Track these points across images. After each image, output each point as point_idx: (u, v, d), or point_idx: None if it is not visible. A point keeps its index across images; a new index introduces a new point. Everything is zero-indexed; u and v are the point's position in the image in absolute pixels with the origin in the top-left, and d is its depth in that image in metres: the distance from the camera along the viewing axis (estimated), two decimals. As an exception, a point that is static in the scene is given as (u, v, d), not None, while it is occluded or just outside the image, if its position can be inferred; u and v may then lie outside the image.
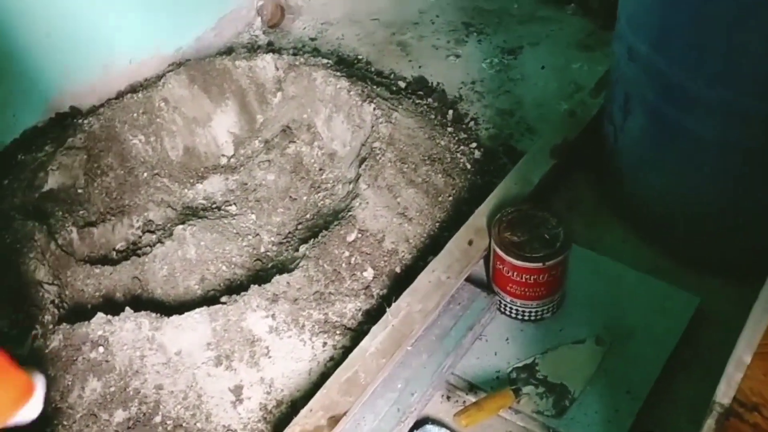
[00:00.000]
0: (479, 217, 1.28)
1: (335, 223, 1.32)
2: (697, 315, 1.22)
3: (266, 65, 1.62)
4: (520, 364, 1.17)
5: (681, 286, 1.26)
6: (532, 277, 1.17)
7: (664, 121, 1.24)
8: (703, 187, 1.25)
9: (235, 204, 1.48)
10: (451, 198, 1.42)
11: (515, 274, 1.17)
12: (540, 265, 1.15)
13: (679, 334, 1.20)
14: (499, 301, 1.24)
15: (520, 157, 1.45)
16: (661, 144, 1.27)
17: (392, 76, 1.80)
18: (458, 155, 1.50)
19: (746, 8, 1.03)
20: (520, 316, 1.23)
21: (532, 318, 1.23)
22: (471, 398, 1.14)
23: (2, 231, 1.32)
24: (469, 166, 1.50)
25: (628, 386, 1.13)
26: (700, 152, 1.21)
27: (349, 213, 1.32)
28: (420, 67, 1.83)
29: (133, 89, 1.65)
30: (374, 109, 1.48)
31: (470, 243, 1.25)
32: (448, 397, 1.17)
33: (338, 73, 1.58)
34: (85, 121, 1.49)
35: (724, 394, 0.63)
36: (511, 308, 1.23)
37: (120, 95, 1.65)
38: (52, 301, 1.24)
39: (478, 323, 1.20)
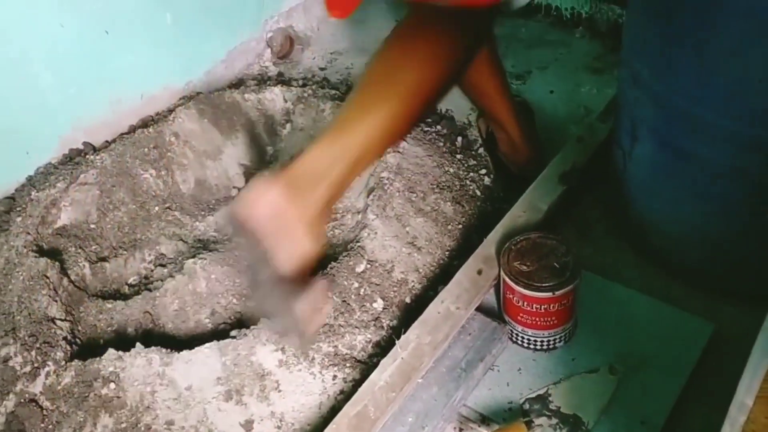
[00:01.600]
0: (488, 246, 1.28)
1: (344, 254, 1.32)
2: (711, 342, 1.20)
3: (275, 97, 1.64)
4: (533, 395, 1.16)
5: (694, 312, 1.24)
6: (542, 307, 1.16)
7: (672, 148, 1.23)
8: (713, 213, 1.23)
9: (245, 235, 1.48)
10: (460, 226, 1.41)
11: (525, 303, 1.17)
12: (550, 294, 1.14)
13: (694, 361, 1.18)
14: (510, 330, 1.23)
15: (530, 182, 1.44)
16: (670, 170, 1.26)
17: (401, 104, 1.81)
18: (467, 182, 1.50)
19: (748, 37, 1.02)
20: (531, 346, 1.22)
21: (544, 347, 1.22)
22: (483, 430, 1.13)
23: (16, 268, 1.33)
24: (478, 193, 1.49)
25: (643, 416, 1.12)
26: (709, 179, 1.20)
27: (358, 244, 1.32)
28: (428, 94, 1.83)
29: (145, 123, 1.67)
30: (382, 138, 1.48)
31: (479, 272, 1.24)
32: (461, 430, 1.15)
33: (346, 104, 1.59)
34: (97, 157, 1.51)
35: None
36: (522, 338, 1.22)
37: (132, 129, 1.67)
38: (65, 338, 1.25)
39: (489, 354, 1.19)
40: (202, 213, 1.56)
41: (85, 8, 1.57)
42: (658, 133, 1.24)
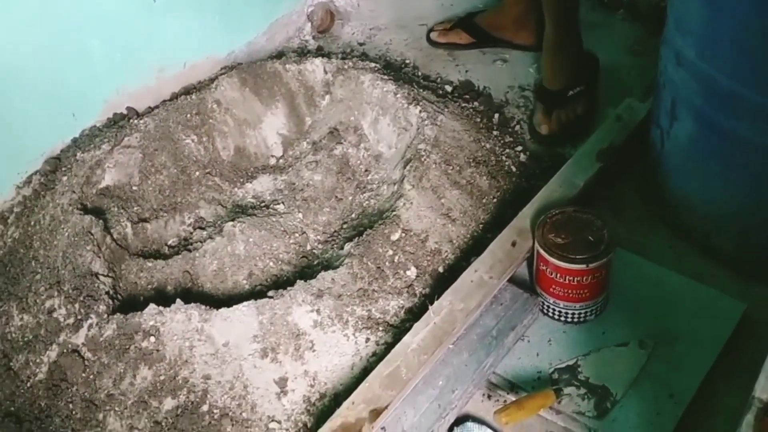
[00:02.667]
0: (523, 218, 1.29)
1: (379, 222, 1.34)
2: (743, 321, 1.21)
3: (315, 68, 1.66)
4: (561, 365, 1.18)
5: (726, 291, 1.25)
6: (575, 279, 1.17)
7: (712, 127, 1.23)
8: (751, 193, 1.23)
9: (283, 203, 1.51)
10: (495, 200, 1.43)
11: (558, 275, 1.18)
12: (584, 266, 1.16)
13: (724, 340, 1.19)
14: (542, 302, 1.24)
15: (565, 161, 1.45)
16: (709, 149, 1.26)
17: (438, 80, 1.82)
18: (503, 158, 1.51)
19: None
20: (562, 318, 1.24)
21: (575, 320, 1.23)
22: (512, 397, 1.15)
23: (62, 225, 1.37)
24: (514, 169, 1.50)
25: (671, 390, 1.13)
26: (749, 158, 1.21)
27: (394, 213, 1.34)
28: (467, 71, 1.84)
29: (187, 91, 1.70)
30: (420, 111, 1.50)
31: (513, 244, 1.26)
32: (489, 396, 1.18)
33: (385, 77, 1.61)
34: (141, 122, 1.55)
35: (763, 389, 0.64)
36: (553, 310, 1.23)
37: (174, 97, 1.70)
38: (107, 292, 1.29)
39: (521, 324, 1.21)
40: (241, 180, 1.59)
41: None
42: (700, 112, 1.25)
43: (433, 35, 1.94)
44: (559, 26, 1.59)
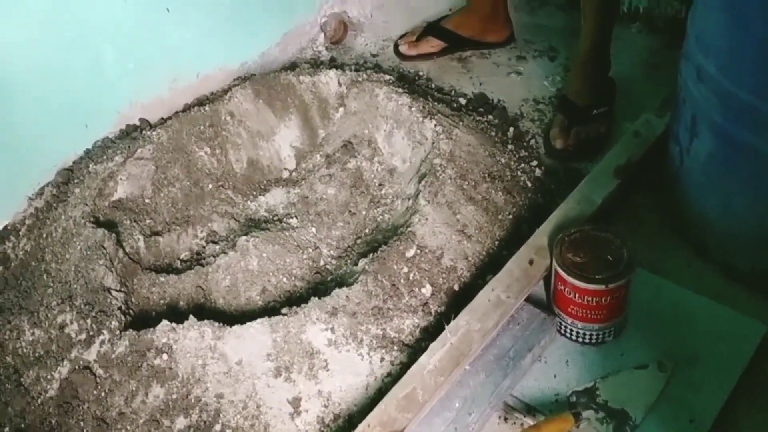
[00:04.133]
0: (540, 236, 1.28)
1: (394, 238, 1.33)
2: (764, 343, 1.19)
3: (329, 81, 1.64)
4: (580, 388, 1.16)
5: (747, 312, 1.23)
6: (594, 299, 1.15)
7: (734, 144, 1.21)
8: (771, 210, 1.22)
9: (296, 217, 1.50)
10: (511, 216, 1.41)
11: (577, 295, 1.16)
12: (603, 287, 1.14)
13: (745, 362, 1.17)
14: (560, 322, 1.22)
15: (581, 176, 1.44)
16: (729, 167, 1.24)
17: (453, 93, 1.81)
18: (519, 173, 1.50)
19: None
20: (580, 339, 1.22)
21: (593, 341, 1.21)
22: (529, 421, 1.13)
23: (74, 238, 1.36)
24: (529, 185, 1.49)
25: (692, 414, 1.11)
26: (770, 175, 1.19)
27: (408, 229, 1.33)
28: (481, 84, 1.83)
29: (200, 102, 1.69)
30: (435, 125, 1.49)
31: (531, 263, 1.24)
32: (506, 419, 1.16)
33: (400, 90, 1.59)
34: (154, 133, 1.54)
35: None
36: (571, 330, 1.22)
37: (187, 108, 1.69)
38: (119, 308, 1.27)
39: (538, 345, 1.19)
40: (254, 193, 1.58)
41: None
42: (721, 129, 1.22)
43: (402, 48, 1.93)
44: (596, 39, 1.58)
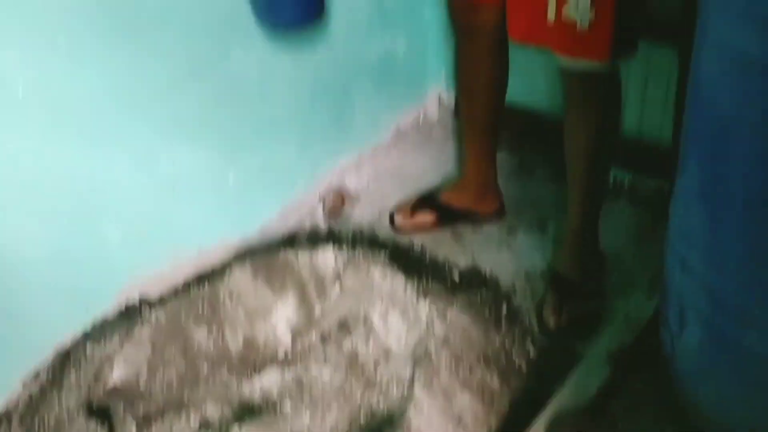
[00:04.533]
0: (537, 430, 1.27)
1: (388, 429, 1.32)
2: None
3: (326, 258, 1.69)
4: None
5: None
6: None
7: (721, 336, 1.22)
8: (763, 407, 1.21)
9: (290, 399, 1.49)
10: (506, 404, 1.41)
11: (574, 497, 1.14)
12: (599, 490, 1.12)
13: None
14: None
15: (576, 357, 1.44)
16: (719, 360, 1.25)
17: (446, 265, 1.84)
18: (513, 356, 1.51)
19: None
20: None
21: None
22: None
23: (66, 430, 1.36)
24: (524, 368, 1.49)
25: None
26: (761, 372, 1.19)
27: (404, 419, 1.32)
28: (473, 256, 1.87)
29: (200, 278, 1.72)
30: (429, 308, 1.51)
31: (527, 459, 1.23)
32: None
33: (395, 268, 1.63)
34: (152, 315, 1.56)
35: None
36: None
37: (186, 284, 1.72)
38: (109, 507, 1.25)
39: None
40: (249, 372, 1.57)
41: (160, 169, 1.66)
42: (708, 321, 1.23)
43: (398, 221, 1.98)
44: (583, 220, 1.62)
